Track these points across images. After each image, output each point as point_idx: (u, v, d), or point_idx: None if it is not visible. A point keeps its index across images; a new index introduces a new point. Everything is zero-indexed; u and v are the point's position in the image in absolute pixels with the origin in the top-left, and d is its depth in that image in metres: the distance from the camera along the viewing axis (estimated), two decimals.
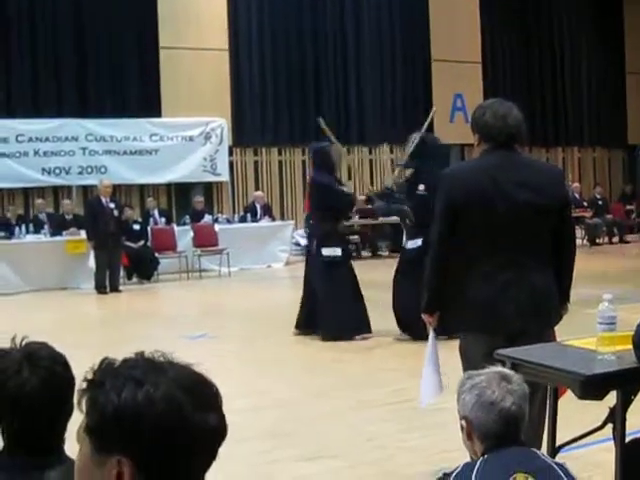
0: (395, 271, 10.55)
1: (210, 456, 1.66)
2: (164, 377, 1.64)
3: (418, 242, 9.81)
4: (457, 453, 5.04)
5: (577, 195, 23.16)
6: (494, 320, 4.58)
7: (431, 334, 5.05)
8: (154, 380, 1.62)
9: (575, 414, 4.73)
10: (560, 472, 2.87)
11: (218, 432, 1.66)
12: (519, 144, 4.81)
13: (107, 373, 1.65)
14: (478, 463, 2.87)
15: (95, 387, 1.63)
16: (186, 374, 1.68)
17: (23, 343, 2.48)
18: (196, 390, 1.65)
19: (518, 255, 4.59)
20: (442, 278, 4.76)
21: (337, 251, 10.52)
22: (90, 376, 1.67)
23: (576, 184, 24.29)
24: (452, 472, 2.93)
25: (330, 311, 10.38)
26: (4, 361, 2.42)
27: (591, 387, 3.77)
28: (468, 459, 3.10)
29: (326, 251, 10.48)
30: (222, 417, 1.67)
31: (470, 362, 4.62)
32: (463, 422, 3.02)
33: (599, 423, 4.16)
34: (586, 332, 4.68)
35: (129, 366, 1.67)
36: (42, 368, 2.43)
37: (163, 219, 19.24)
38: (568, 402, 4.16)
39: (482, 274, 4.59)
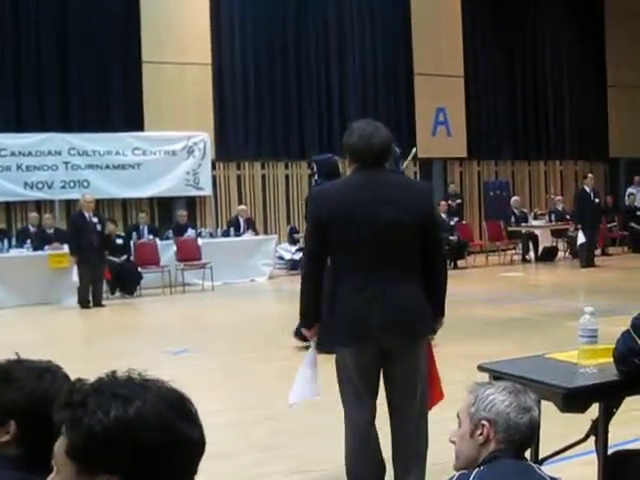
0: None
1: (194, 470, 1.68)
2: (149, 393, 1.65)
3: None
4: (449, 465, 5.06)
5: (560, 208, 23.23)
6: (360, 335, 4.70)
7: (312, 347, 5.21)
8: (141, 396, 1.63)
9: (557, 427, 4.74)
10: None
11: (201, 445, 1.68)
12: (386, 162, 4.97)
13: (87, 393, 1.65)
14: (474, 474, 2.87)
15: (76, 408, 1.63)
16: (167, 390, 1.70)
17: (9, 360, 2.51)
18: (179, 405, 1.67)
19: (383, 271, 4.69)
20: (314, 292, 4.88)
21: None
22: (68, 398, 1.67)
23: (559, 197, 24.37)
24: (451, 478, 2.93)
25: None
26: (22, 371, 2.46)
27: (573, 400, 3.80)
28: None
29: None
30: (202, 431, 1.69)
31: (344, 374, 4.83)
32: (485, 423, 3.02)
33: (581, 436, 4.19)
34: (568, 344, 4.72)
35: (111, 384, 1.67)
36: (60, 377, 2.48)
37: (151, 236, 19.18)
38: (552, 415, 4.18)
39: (349, 289, 4.73)
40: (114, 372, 1.74)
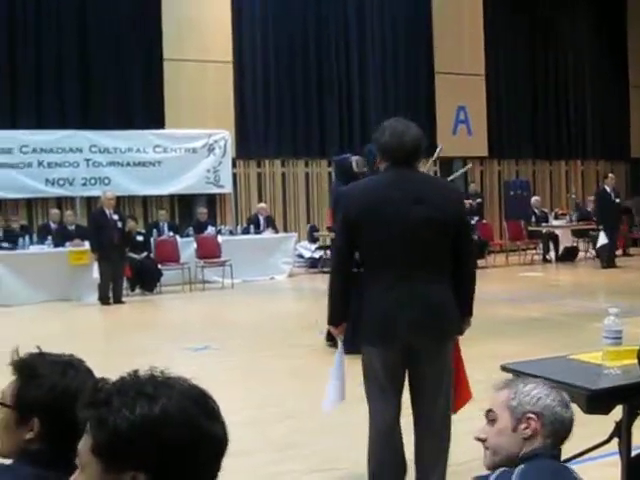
0: None
1: (218, 466, 1.69)
2: (173, 391, 1.66)
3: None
4: (469, 465, 5.04)
5: (588, 208, 23.04)
6: (388, 334, 4.70)
7: (339, 345, 5.19)
8: (166, 394, 1.64)
9: (580, 429, 4.70)
10: None
11: (225, 442, 1.70)
12: (417, 161, 4.95)
13: (111, 392, 1.66)
14: (516, 473, 2.85)
15: (100, 406, 1.64)
16: (190, 387, 1.71)
17: (31, 353, 2.50)
18: (202, 401, 1.69)
19: (413, 270, 4.69)
20: (342, 291, 4.90)
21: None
22: (92, 397, 1.67)
23: (590, 198, 23.99)
24: (487, 476, 2.91)
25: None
26: (44, 366, 2.44)
27: (597, 401, 3.78)
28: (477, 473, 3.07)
29: None
30: (225, 427, 1.71)
31: (370, 372, 4.84)
32: (533, 416, 2.99)
33: (605, 437, 4.16)
34: (592, 346, 4.69)
35: (135, 383, 1.68)
36: (83, 371, 2.48)
37: (171, 233, 19.23)
38: (575, 416, 4.15)
39: (378, 288, 4.73)
40: (136, 371, 1.75)
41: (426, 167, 11.45)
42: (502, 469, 2.94)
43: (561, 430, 2.99)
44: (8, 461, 2.43)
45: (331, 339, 10.52)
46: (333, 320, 4.99)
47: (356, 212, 4.74)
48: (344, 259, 4.86)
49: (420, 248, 4.69)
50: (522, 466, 2.89)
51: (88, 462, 1.65)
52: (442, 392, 4.82)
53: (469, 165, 12.10)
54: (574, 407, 3.84)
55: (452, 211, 4.79)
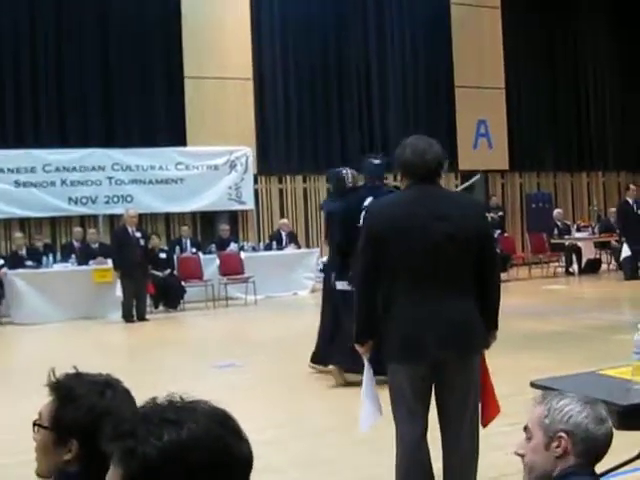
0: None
1: None
2: (196, 414, 1.67)
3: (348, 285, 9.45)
4: (501, 479, 5.04)
5: (611, 219, 22.91)
6: (415, 352, 4.70)
7: (366, 364, 5.17)
8: (190, 418, 1.65)
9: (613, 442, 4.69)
10: None
11: (251, 459, 1.70)
12: (439, 178, 4.96)
13: (135, 422, 1.67)
14: None
15: (126, 438, 1.64)
16: (213, 409, 1.71)
17: (68, 374, 2.50)
18: (226, 422, 1.69)
19: (438, 286, 4.70)
20: (369, 309, 4.88)
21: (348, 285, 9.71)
22: (116, 429, 1.68)
23: (612, 209, 23.86)
24: None
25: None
26: (82, 387, 2.44)
27: (628, 417, 3.77)
28: None
29: (340, 285, 9.83)
30: (250, 445, 1.71)
31: (397, 391, 4.82)
32: (563, 435, 2.95)
33: (636, 450, 4.15)
34: (618, 359, 4.68)
35: (157, 410, 1.69)
36: (121, 391, 2.48)
37: (194, 249, 19.30)
38: None
39: (403, 306, 4.73)
40: (154, 398, 1.76)
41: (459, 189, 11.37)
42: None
43: (594, 448, 2.94)
44: None
45: (317, 361, 10.29)
46: (360, 338, 4.99)
47: (380, 228, 4.75)
48: (369, 276, 4.86)
49: (444, 264, 4.70)
50: None
51: None
52: (469, 407, 4.82)
53: (477, 176, 11.87)
54: None
55: (475, 226, 4.80)
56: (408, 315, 4.72)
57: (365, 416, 5.30)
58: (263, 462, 6.30)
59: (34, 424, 2.47)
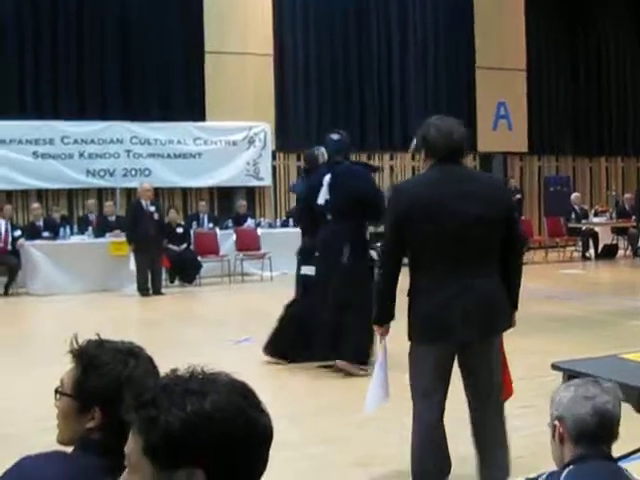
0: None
1: (267, 457, 1.70)
2: (219, 385, 1.67)
3: (311, 269, 9.33)
4: (515, 462, 5.02)
5: (627, 206, 22.84)
6: (442, 330, 4.71)
7: (383, 346, 5.17)
8: (212, 389, 1.65)
9: (633, 427, 4.67)
10: None
11: (271, 431, 1.70)
12: (463, 158, 4.96)
13: (156, 392, 1.66)
14: (564, 473, 2.83)
15: (148, 407, 1.64)
16: (234, 381, 1.71)
17: (91, 341, 2.48)
18: (247, 394, 1.69)
19: (464, 265, 4.71)
20: (391, 290, 4.87)
21: (312, 269, 9.43)
22: (137, 398, 1.68)
23: (627, 195, 23.85)
24: (536, 477, 2.90)
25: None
26: (106, 355, 2.42)
27: None
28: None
29: (305, 269, 9.65)
30: (270, 417, 1.71)
31: (418, 371, 4.82)
32: (556, 423, 2.97)
33: None
34: (631, 344, 4.66)
35: (179, 381, 1.69)
36: (144, 359, 2.46)
37: (211, 224, 19.32)
38: (628, 415, 4.12)
39: (430, 285, 4.74)
40: (175, 370, 1.75)
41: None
42: (550, 471, 2.93)
43: (585, 428, 2.91)
44: (68, 449, 2.43)
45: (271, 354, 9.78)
46: (381, 319, 4.99)
47: (407, 208, 4.74)
48: (394, 257, 4.85)
49: (471, 244, 4.70)
50: (570, 467, 2.87)
51: (140, 464, 1.65)
52: (494, 385, 4.84)
53: (414, 141, 11.57)
54: (626, 407, 3.84)
55: (501, 207, 4.81)
56: (435, 295, 4.72)
57: (372, 397, 5.33)
58: (278, 438, 6.30)
59: (56, 391, 2.45)
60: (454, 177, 4.80)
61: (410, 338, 4.86)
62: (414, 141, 10.54)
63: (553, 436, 3.01)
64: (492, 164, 24.45)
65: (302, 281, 9.65)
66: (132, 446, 1.67)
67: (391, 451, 6.14)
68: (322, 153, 10.10)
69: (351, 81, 23.01)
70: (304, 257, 9.65)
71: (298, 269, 9.84)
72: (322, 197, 9.00)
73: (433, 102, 23.67)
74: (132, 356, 2.43)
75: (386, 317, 4.97)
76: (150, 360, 2.47)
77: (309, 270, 9.41)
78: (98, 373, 2.37)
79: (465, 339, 4.71)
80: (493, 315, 4.79)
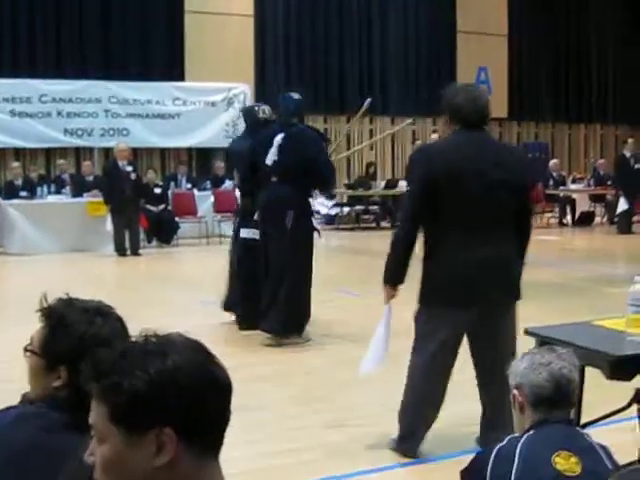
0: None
1: (229, 407, 1.73)
2: (176, 345, 1.70)
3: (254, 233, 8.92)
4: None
5: (601, 172, 22.95)
6: (463, 294, 4.76)
7: (387, 308, 5.19)
8: (171, 349, 1.68)
9: (601, 394, 4.73)
10: (602, 454, 2.87)
11: (230, 384, 1.74)
12: (486, 125, 5.02)
13: (114, 359, 1.68)
14: (524, 437, 2.87)
15: (109, 374, 1.66)
16: (189, 340, 1.74)
17: (60, 300, 2.49)
18: (205, 351, 1.73)
19: (492, 231, 4.78)
20: (408, 253, 4.89)
21: (256, 233, 8.94)
22: (96, 368, 1.69)
23: (601, 161, 24.04)
24: (496, 444, 2.93)
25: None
26: (73, 314, 2.42)
27: (620, 368, 3.80)
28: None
29: (244, 232, 9.18)
30: (226, 371, 1.75)
31: (429, 330, 4.88)
32: (515, 391, 3.02)
33: (624, 403, 4.18)
34: (607, 311, 4.69)
35: (136, 346, 1.71)
36: (112, 319, 2.46)
37: (189, 185, 19.28)
38: (597, 382, 4.16)
39: (453, 249, 4.78)
40: (130, 337, 1.81)
41: (354, 122, 10.77)
42: (510, 436, 2.97)
43: (543, 393, 2.95)
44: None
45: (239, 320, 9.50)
46: (395, 279, 5.00)
47: (436, 173, 4.75)
48: (416, 221, 4.87)
49: (496, 209, 4.76)
50: (530, 432, 2.91)
51: (108, 432, 1.67)
52: (509, 354, 4.79)
53: (368, 100, 11.40)
54: (595, 373, 3.88)
55: (521, 174, 4.93)
56: (458, 258, 4.75)
57: (369, 361, 5.34)
58: (259, 399, 6.34)
59: (25, 349, 2.48)
60: (481, 143, 4.86)
61: (424, 302, 4.90)
62: (367, 101, 10.25)
63: (513, 405, 3.05)
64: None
65: (242, 244, 9.22)
66: (97, 416, 1.69)
67: (370, 410, 6.19)
68: (263, 110, 9.82)
69: (331, 44, 22.91)
70: (243, 219, 9.27)
71: (237, 232, 9.49)
72: (271, 157, 8.52)
73: (414, 66, 23.65)
74: (100, 315, 2.44)
75: (401, 280, 4.98)
76: (119, 320, 2.48)
77: (249, 233, 9.02)
78: (65, 332, 2.39)
79: (486, 305, 4.75)
80: (515, 282, 4.89)
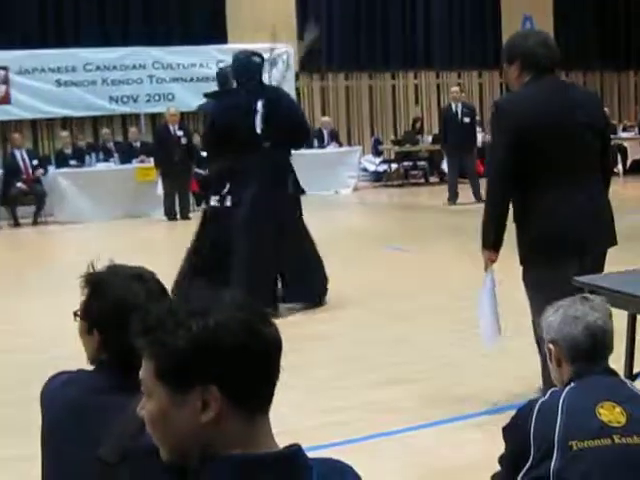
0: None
1: (277, 366, 1.72)
2: (223, 304, 1.70)
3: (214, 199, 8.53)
4: (535, 379, 5.05)
5: None
6: (568, 244, 4.61)
7: (490, 274, 4.99)
8: (216, 308, 1.68)
9: None
10: None
11: (280, 342, 1.72)
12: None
13: (162, 315, 1.69)
14: (565, 390, 2.85)
15: (155, 331, 1.67)
16: (237, 298, 1.74)
17: (104, 266, 2.54)
18: (253, 309, 1.72)
19: (582, 177, 4.66)
20: (503, 214, 4.74)
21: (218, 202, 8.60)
22: (143, 324, 1.70)
23: None
24: (538, 399, 2.91)
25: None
26: (111, 279, 2.48)
27: None
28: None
29: (214, 200, 8.67)
30: (277, 330, 1.73)
31: (547, 291, 4.52)
32: (551, 346, 2.98)
33: None
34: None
35: (182, 304, 1.72)
36: (151, 285, 2.51)
37: None
38: None
39: (550, 200, 4.61)
40: (182, 294, 1.80)
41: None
42: (552, 390, 2.94)
43: (580, 346, 2.92)
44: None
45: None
46: (494, 243, 4.83)
47: (524, 125, 4.61)
48: (507, 177, 4.67)
49: (585, 154, 4.66)
50: (571, 384, 2.89)
51: (154, 388, 1.69)
52: None
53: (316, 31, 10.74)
54: None
55: (601, 116, 4.88)
56: (562, 208, 4.61)
57: (489, 332, 5.11)
58: (302, 358, 6.37)
59: (74, 313, 2.55)
60: (561, 87, 4.80)
61: (529, 262, 4.75)
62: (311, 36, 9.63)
63: (550, 359, 3.02)
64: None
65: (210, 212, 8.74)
66: (144, 371, 1.71)
67: (413, 368, 6.19)
68: (229, 72, 9.55)
69: (373, 1, 22.70)
70: (213, 185, 8.84)
71: (206, 201, 9.12)
72: (259, 125, 8.27)
73: (458, 16, 23.36)
74: (138, 281, 2.48)
75: (501, 241, 4.82)
76: (158, 284, 2.51)
77: (216, 201, 8.54)
78: (101, 297, 2.46)
79: (586, 252, 4.63)
80: (612, 227, 4.81)
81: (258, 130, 8.27)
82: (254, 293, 7.34)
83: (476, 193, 16.43)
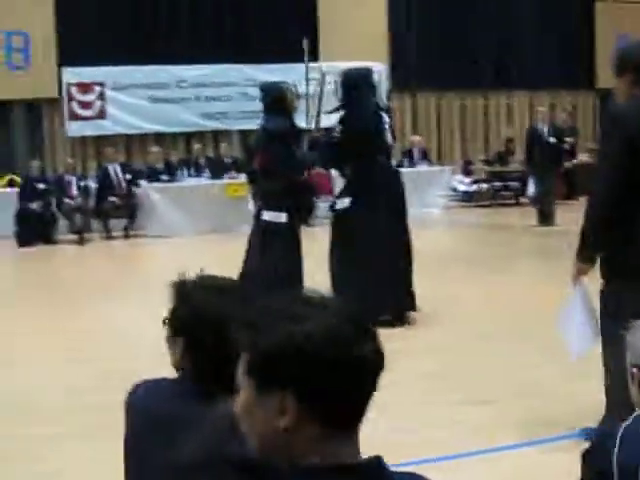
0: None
1: (370, 388, 1.67)
2: (319, 311, 1.66)
3: (345, 202, 8.83)
4: None
5: None
6: None
7: (581, 285, 4.87)
8: (314, 315, 1.64)
9: None
10: None
11: (376, 362, 1.67)
12: None
13: (257, 314, 1.69)
14: None
15: (250, 327, 1.67)
16: (345, 307, 1.70)
17: (192, 276, 2.57)
18: (356, 320, 1.67)
19: None
20: (610, 227, 4.58)
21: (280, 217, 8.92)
22: (241, 319, 1.72)
23: None
24: (617, 424, 2.84)
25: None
26: (196, 290, 2.51)
27: None
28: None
29: (269, 215, 9.01)
30: (379, 348, 1.68)
31: (626, 317, 4.51)
32: (635, 370, 2.91)
33: None
34: None
35: (282, 305, 1.70)
36: (235, 297, 2.50)
37: None
38: None
39: None
40: (293, 291, 1.77)
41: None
42: (635, 414, 2.85)
43: None
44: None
45: None
46: (592, 257, 4.71)
47: (638, 130, 4.51)
48: (620, 190, 4.54)
49: None
50: None
51: (243, 381, 1.70)
52: None
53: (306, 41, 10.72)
54: None
55: None
56: None
57: (574, 343, 4.98)
58: (391, 374, 6.33)
59: (163, 321, 2.59)
60: None
61: (617, 284, 4.61)
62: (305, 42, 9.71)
63: (633, 383, 2.93)
64: (609, 101, 23.71)
65: (264, 228, 9.02)
66: (240, 364, 1.72)
67: (498, 389, 6.13)
68: (291, 90, 9.86)
69: (465, 20, 22.54)
70: (267, 202, 9.13)
71: (258, 216, 9.27)
72: (389, 138, 8.90)
73: (549, 37, 23.12)
74: (222, 292, 2.50)
75: (597, 255, 4.73)
76: (244, 295, 2.53)
77: (274, 217, 8.91)
78: (184, 306, 2.49)
79: None
80: None
81: (390, 142, 8.85)
82: (375, 299, 7.81)
83: (545, 215, 15.96)
